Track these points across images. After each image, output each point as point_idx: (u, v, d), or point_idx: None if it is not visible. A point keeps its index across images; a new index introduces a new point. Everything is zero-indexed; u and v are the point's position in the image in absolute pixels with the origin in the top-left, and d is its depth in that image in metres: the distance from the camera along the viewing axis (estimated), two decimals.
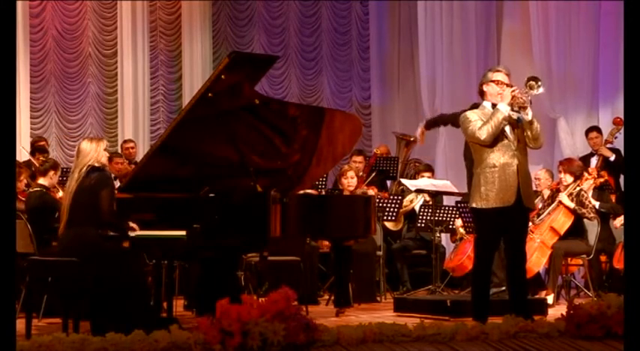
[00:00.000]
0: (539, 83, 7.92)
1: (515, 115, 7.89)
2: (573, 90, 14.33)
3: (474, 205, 7.90)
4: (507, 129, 7.87)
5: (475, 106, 8.61)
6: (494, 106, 7.91)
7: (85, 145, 7.82)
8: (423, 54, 15.59)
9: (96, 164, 7.75)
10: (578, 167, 11.24)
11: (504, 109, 7.82)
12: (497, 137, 7.84)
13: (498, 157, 7.86)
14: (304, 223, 8.69)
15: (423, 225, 11.74)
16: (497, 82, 7.97)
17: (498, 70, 8.09)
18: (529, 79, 7.94)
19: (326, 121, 9.05)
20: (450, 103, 14.77)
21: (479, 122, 7.86)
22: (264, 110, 8.60)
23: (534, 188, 10.13)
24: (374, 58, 17.53)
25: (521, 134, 7.91)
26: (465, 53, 15.44)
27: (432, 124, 12.42)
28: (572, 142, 14.24)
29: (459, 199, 11.52)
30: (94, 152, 7.77)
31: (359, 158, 13.17)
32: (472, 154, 8.13)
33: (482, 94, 8.09)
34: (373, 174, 13.20)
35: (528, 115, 7.83)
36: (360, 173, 12.61)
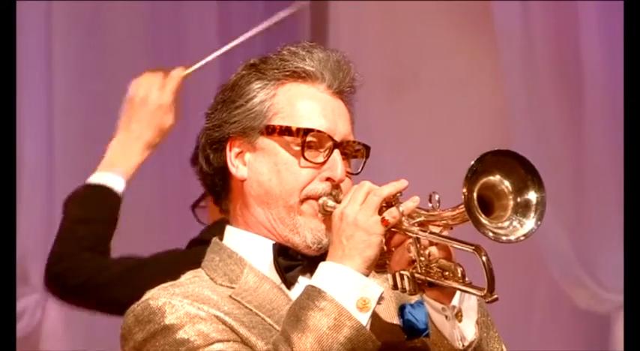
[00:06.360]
0: (530, 195, 1.79)
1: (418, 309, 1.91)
2: None
3: None
4: None
5: (195, 244, 3.03)
6: (288, 256, 1.99)
7: None
8: None
9: None
10: None
11: (360, 294, 1.81)
12: None
13: None
14: None
15: None
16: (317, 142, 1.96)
17: (307, 75, 1.98)
18: (474, 172, 1.76)
19: None
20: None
21: None
22: None
23: None
24: None
25: None
26: None
27: None
28: None
29: None
30: None
31: None
32: None
33: (225, 188, 2.06)
34: None
35: (463, 319, 1.84)
36: None
